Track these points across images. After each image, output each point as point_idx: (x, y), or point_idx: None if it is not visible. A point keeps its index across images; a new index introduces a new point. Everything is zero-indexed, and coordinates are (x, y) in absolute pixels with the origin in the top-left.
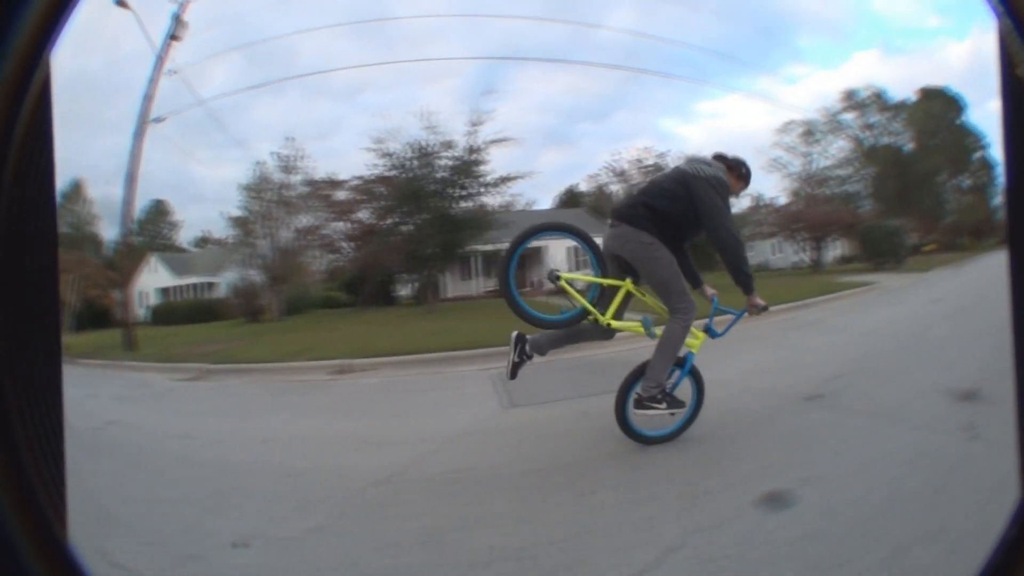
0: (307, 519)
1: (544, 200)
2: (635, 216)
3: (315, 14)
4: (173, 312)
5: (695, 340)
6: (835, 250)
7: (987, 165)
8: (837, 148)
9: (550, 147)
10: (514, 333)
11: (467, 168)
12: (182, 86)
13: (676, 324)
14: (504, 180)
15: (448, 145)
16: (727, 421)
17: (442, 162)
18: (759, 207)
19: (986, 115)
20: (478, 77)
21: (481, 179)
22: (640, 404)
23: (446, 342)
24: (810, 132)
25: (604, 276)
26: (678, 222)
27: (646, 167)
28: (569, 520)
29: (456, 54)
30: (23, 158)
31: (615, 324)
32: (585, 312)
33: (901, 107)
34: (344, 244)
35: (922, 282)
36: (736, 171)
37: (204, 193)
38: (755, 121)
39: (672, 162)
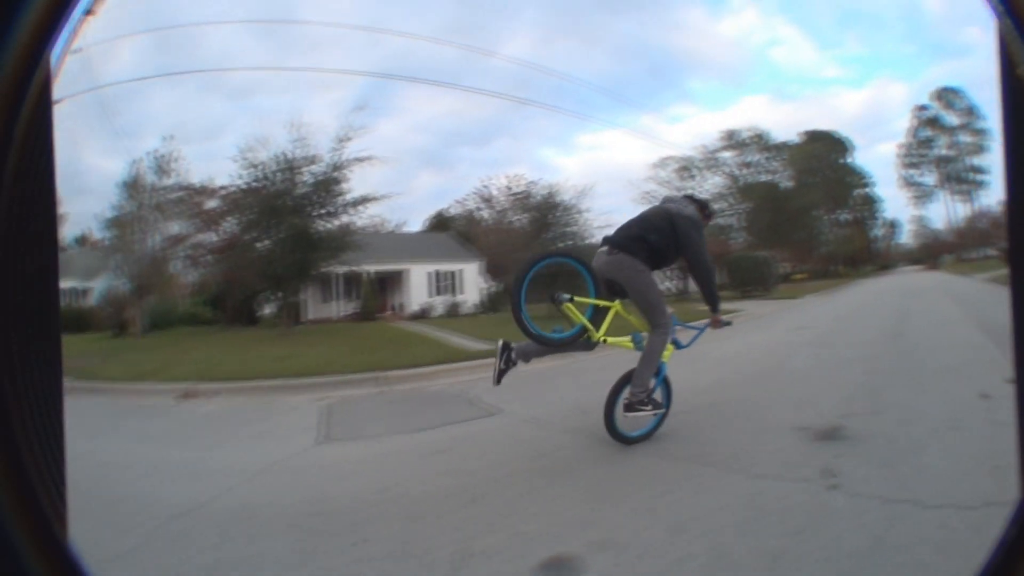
0: (122, 544)
1: (415, 222)
2: (633, 247)
3: (226, 5)
4: None
5: (666, 352)
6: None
7: (869, 201)
8: (712, 184)
9: (427, 169)
10: (500, 341)
11: (327, 185)
12: (83, 66)
13: (658, 337)
14: (364, 200)
15: (312, 160)
16: (534, 468)
17: (304, 177)
18: None
19: (874, 157)
20: (368, 91)
21: (340, 197)
22: (630, 407)
23: (287, 368)
24: (686, 168)
25: (600, 298)
26: (664, 252)
27: (515, 194)
28: (332, 571)
29: (353, 65)
30: (23, 158)
31: (610, 340)
32: (584, 330)
33: (782, 147)
34: (209, 257)
35: (791, 309)
36: (704, 211)
37: (91, 186)
38: (633, 155)
39: (540, 190)
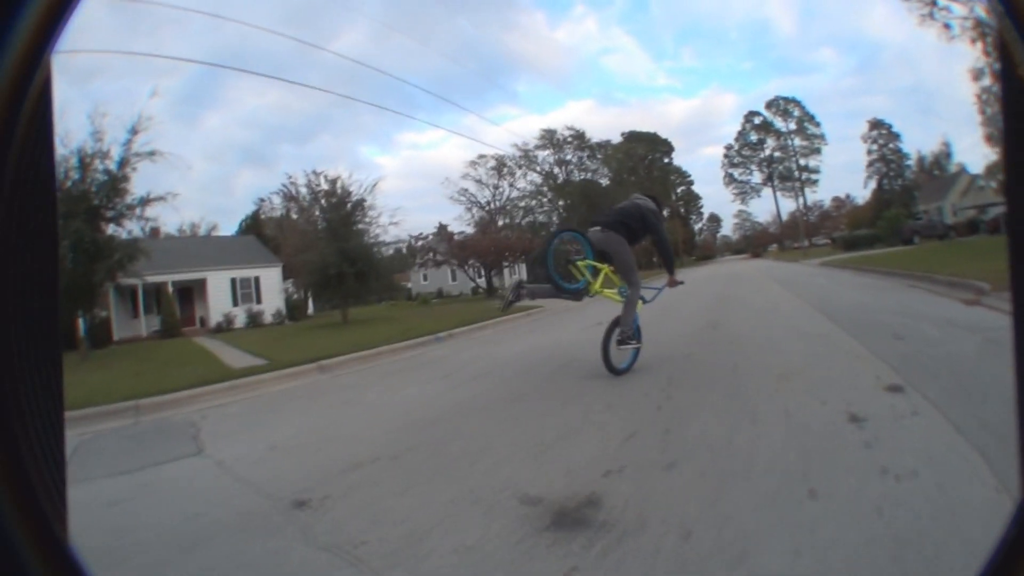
0: None
1: (232, 226)
2: (618, 227)
3: None
4: None
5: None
6: (517, 274)
7: (692, 197)
8: (528, 181)
9: (248, 167)
10: (515, 278)
11: (113, 185)
12: None
13: (634, 292)
14: (146, 202)
15: (104, 155)
16: (175, 535)
17: (97, 177)
18: (421, 238)
19: (700, 159)
20: (197, 80)
21: (122, 198)
22: (622, 342)
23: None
24: (502, 166)
25: (597, 261)
26: (636, 232)
27: (318, 192)
28: None
29: (189, 49)
30: (23, 158)
31: (605, 292)
32: (588, 284)
33: (600, 147)
34: None
35: (597, 302)
36: (660, 206)
37: None
38: (451, 153)
39: (340, 186)
